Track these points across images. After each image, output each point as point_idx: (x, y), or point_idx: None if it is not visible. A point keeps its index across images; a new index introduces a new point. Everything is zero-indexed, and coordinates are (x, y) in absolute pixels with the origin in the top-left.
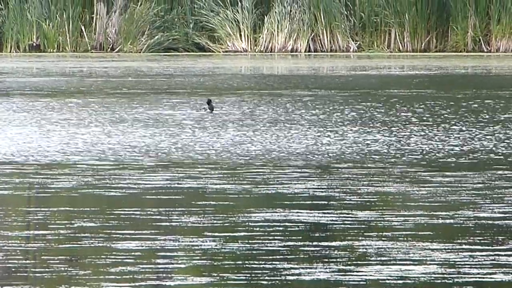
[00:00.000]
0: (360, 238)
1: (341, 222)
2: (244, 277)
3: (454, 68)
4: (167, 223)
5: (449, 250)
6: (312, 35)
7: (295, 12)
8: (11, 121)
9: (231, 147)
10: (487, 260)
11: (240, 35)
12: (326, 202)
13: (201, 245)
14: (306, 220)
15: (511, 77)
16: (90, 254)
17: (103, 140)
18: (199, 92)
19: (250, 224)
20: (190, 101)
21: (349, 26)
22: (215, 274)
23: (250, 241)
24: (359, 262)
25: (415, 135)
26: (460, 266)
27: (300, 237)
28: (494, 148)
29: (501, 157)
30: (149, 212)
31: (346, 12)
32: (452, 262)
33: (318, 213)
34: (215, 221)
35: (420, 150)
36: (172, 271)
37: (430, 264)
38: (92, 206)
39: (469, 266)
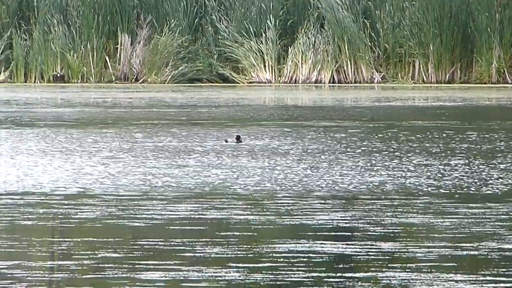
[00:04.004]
0: (384, 269)
1: (365, 253)
2: None
3: (479, 100)
4: (191, 254)
5: (473, 282)
6: (336, 66)
7: (320, 43)
8: (35, 151)
9: (255, 178)
10: None
11: (264, 66)
12: (350, 233)
13: (225, 276)
14: (330, 251)
15: None
16: (113, 285)
17: (127, 171)
18: (223, 123)
19: (274, 255)
20: (214, 132)
21: (373, 57)
22: None
23: (274, 272)
24: None
25: (439, 166)
26: None
27: (324, 268)
28: None
29: None
30: (172, 243)
31: (370, 43)
32: None
33: (342, 244)
34: (239, 252)
35: (444, 181)
36: None
37: None
38: (116, 237)
39: None
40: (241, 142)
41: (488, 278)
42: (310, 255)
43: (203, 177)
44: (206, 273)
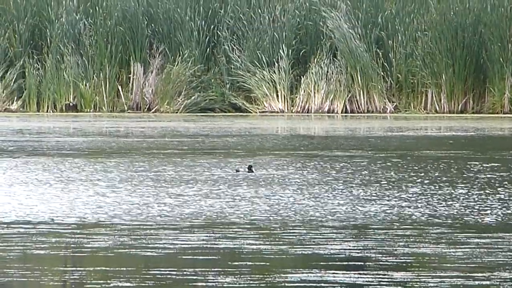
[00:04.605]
0: None
1: (377, 283)
2: None
3: (491, 130)
4: (203, 284)
5: None
6: (349, 96)
7: (332, 73)
8: (48, 181)
9: (267, 208)
10: None
11: (277, 95)
12: (362, 263)
13: None
14: (342, 281)
15: None
16: None
17: (139, 200)
18: (236, 153)
19: (286, 284)
20: (227, 162)
21: (385, 87)
22: None
23: None
24: None
25: (451, 196)
26: None
27: None
28: None
29: None
30: (185, 272)
31: (383, 73)
32: None
33: (354, 273)
34: (251, 282)
35: (456, 211)
36: None
37: None
38: (128, 266)
39: None
40: (253, 172)
41: None
42: (322, 284)
43: (215, 206)
44: None
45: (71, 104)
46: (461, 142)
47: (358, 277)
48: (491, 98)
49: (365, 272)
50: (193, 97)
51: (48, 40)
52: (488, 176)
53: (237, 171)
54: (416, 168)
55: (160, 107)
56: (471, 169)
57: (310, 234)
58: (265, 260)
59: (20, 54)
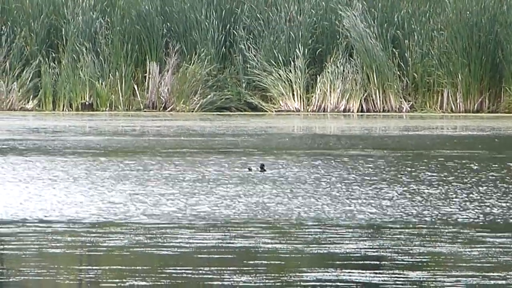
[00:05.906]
0: None
1: (393, 282)
2: None
3: (507, 129)
4: (219, 282)
5: None
6: (365, 95)
7: (348, 72)
8: (64, 179)
9: (283, 207)
10: None
11: (293, 94)
12: (377, 262)
13: None
14: (358, 280)
15: None
16: None
17: (154, 199)
18: (251, 152)
19: (301, 283)
20: (242, 161)
21: (401, 86)
22: None
23: None
24: None
25: (467, 195)
26: None
27: None
28: None
29: None
30: (200, 271)
31: (399, 72)
32: None
33: (370, 273)
34: (266, 281)
35: (472, 211)
36: None
37: None
38: (144, 265)
39: None
40: (265, 170)
41: None
42: (338, 283)
43: (230, 205)
44: None
45: (87, 103)
46: (477, 141)
47: (374, 276)
48: (507, 97)
49: (380, 271)
50: (209, 96)
51: (64, 39)
52: (504, 175)
53: (250, 169)
54: (432, 167)
55: (176, 106)
56: (487, 168)
57: (326, 233)
58: (280, 259)
59: (36, 53)
